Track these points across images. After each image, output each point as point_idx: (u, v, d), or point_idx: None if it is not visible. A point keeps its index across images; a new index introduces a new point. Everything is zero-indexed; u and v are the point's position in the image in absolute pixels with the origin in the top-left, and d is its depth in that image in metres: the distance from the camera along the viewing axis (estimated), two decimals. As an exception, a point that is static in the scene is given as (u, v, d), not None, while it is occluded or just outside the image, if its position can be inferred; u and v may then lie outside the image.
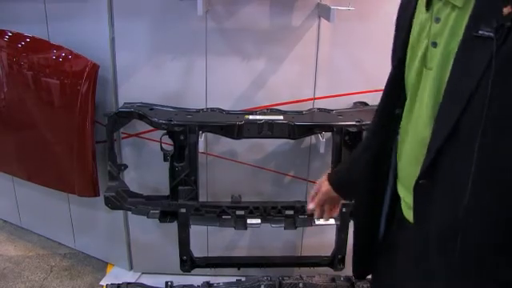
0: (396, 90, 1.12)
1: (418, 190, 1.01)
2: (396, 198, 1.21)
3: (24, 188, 2.68)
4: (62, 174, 2.37)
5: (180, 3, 1.99)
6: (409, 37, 1.07)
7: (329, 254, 2.29)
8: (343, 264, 2.23)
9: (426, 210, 1.01)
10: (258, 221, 2.05)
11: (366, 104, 2.20)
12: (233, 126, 2.00)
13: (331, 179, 1.42)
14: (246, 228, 2.05)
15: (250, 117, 2.04)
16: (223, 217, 2.07)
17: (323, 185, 1.43)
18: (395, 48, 1.16)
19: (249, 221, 2.05)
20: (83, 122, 2.18)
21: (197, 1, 1.83)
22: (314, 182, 2.28)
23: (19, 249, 2.70)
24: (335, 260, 2.22)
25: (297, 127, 2.01)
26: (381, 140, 1.20)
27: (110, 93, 2.22)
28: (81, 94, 2.14)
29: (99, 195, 2.30)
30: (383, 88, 1.20)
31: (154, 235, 2.42)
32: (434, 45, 0.96)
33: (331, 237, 2.23)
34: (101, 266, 2.58)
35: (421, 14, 1.02)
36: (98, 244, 2.61)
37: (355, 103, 2.21)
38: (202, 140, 1.98)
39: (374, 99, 2.18)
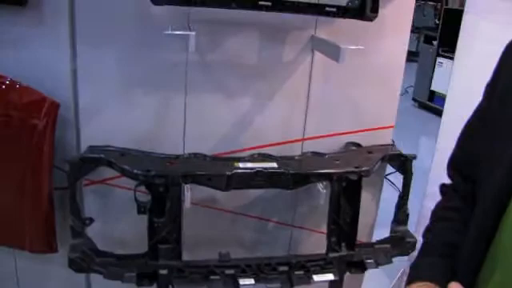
0: None
1: None
2: None
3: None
4: (8, 225, 2.01)
5: (156, 32, 1.71)
6: None
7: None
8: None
9: None
10: (252, 281, 1.82)
11: (359, 145, 2.05)
12: (221, 177, 1.77)
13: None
14: (238, 291, 1.82)
15: (240, 164, 1.81)
16: (211, 277, 1.83)
17: None
18: None
19: (241, 281, 1.81)
20: (39, 165, 1.86)
21: (189, 36, 1.58)
22: (300, 228, 2.17)
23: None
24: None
25: (292, 176, 1.81)
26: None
27: (70, 134, 1.90)
28: (36, 135, 1.82)
29: (57, 251, 1.98)
30: None
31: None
32: None
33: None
34: (56, 329, 2.24)
35: None
36: (51, 302, 2.27)
37: (347, 144, 2.05)
38: (188, 194, 1.73)
39: (366, 140, 2.05)
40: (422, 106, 7.69)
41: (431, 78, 7.42)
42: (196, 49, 1.67)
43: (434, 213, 1.25)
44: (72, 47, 1.80)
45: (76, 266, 1.82)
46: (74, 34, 1.79)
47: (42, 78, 1.80)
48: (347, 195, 1.89)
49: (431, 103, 7.53)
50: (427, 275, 1.10)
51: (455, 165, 1.24)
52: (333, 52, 1.70)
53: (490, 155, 1.01)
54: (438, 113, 7.42)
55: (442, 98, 7.19)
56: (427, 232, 1.23)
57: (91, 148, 1.85)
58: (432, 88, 7.48)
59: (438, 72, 7.30)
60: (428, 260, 1.16)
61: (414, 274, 1.14)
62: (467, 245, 1.05)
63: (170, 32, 1.62)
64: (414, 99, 7.65)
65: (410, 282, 1.12)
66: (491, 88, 1.09)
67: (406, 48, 2.06)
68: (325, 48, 1.79)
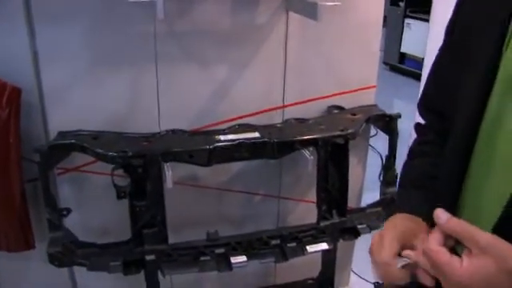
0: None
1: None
2: None
3: None
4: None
5: (120, 1, 1.58)
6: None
7: (308, 275, 2.06)
8: (333, 285, 2.01)
9: None
10: (244, 258, 1.75)
11: (341, 108, 1.96)
12: (203, 152, 1.67)
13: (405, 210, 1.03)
14: (231, 269, 1.73)
15: (221, 137, 1.72)
16: (201, 258, 1.74)
17: (392, 228, 0.96)
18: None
19: (233, 259, 1.74)
20: (6, 158, 1.72)
21: (156, 2, 1.45)
22: (287, 199, 2.09)
23: None
24: (324, 282, 1.99)
25: (277, 145, 1.72)
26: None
27: (36, 121, 1.77)
28: (0, 126, 1.69)
29: (35, 247, 1.87)
30: None
31: (106, 280, 2.00)
32: None
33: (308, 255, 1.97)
34: (41, 326, 2.14)
35: None
36: (34, 300, 2.16)
37: (330, 107, 1.97)
38: (169, 173, 1.63)
39: (349, 102, 1.97)
40: (393, 68, 7.67)
41: (400, 40, 7.39)
42: (164, 17, 1.55)
43: (411, 150, 1.20)
44: (29, 27, 1.65)
45: (57, 260, 1.72)
46: (29, 11, 1.64)
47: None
48: (334, 160, 1.82)
49: (402, 65, 7.51)
50: (406, 207, 1.05)
51: (428, 103, 1.20)
52: (309, 10, 1.60)
53: (461, 85, 0.97)
54: (410, 74, 7.46)
55: (412, 60, 7.19)
56: (404, 167, 1.19)
57: (61, 134, 1.73)
58: (402, 50, 7.45)
59: (407, 33, 7.27)
60: (407, 192, 1.13)
61: (394, 208, 1.08)
62: (444, 172, 1.01)
63: (134, -1, 1.49)
64: (384, 62, 7.61)
65: (390, 215, 1.06)
66: (453, 23, 1.07)
67: (382, 5, 1.97)
68: (300, 7, 1.69)
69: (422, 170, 1.12)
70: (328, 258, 1.96)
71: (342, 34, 1.88)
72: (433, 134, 1.16)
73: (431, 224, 0.91)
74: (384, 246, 0.91)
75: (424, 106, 1.21)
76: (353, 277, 2.43)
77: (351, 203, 2.00)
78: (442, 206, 0.91)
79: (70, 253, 1.71)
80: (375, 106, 2.04)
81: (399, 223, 0.98)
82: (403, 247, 0.92)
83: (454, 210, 0.96)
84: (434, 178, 1.05)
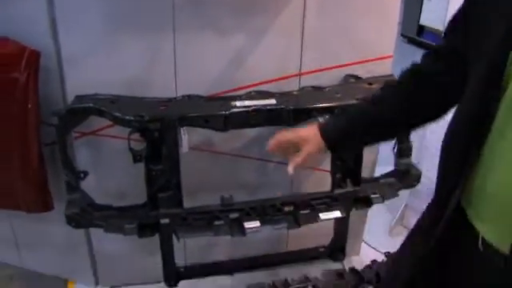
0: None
1: None
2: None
3: None
4: (0, 188, 1.93)
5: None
6: None
7: (320, 243, 2.09)
8: (344, 254, 2.03)
9: None
10: (257, 223, 1.77)
11: (358, 77, 1.95)
12: (219, 117, 1.68)
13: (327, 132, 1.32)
14: (244, 234, 1.76)
15: (237, 103, 1.72)
16: (215, 223, 1.77)
17: (306, 132, 1.34)
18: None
19: (246, 224, 1.76)
20: (25, 121, 1.75)
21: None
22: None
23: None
24: (336, 250, 2.01)
25: (293, 112, 1.73)
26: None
27: (55, 85, 1.79)
28: (19, 89, 1.71)
29: (53, 208, 1.91)
30: None
31: (121, 242, 2.05)
32: None
33: (320, 223, 1.98)
34: (59, 285, 2.19)
35: None
36: (52, 259, 2.20)
37: (346, 76, 1.95)
38: (186, 138, 1.64)
39: (366, 71, 1.96)
40: (411, 41, 7.53)
41: (419, 12, 7.23)
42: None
43: (383, 87, 1.35)
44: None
45: (74, 222, 1.75)
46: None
47: (18, 30, 1.67)
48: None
49: (420, 38, 7.37)
50: (325, 125, 1.35)
51: (438, 53, 1.22)
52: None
53: (474, 48, 1.01)
54: (428, 48, 7.27)
55: (431, 33, 7.05)
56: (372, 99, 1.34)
57: (79, 98, 1.74)
58: (421, 22, 7.30)
59: (427, 5, 7.11)
60: (339, 116, 1.43)
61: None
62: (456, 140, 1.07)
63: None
64: (402, 35, 7.48)
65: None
66: None
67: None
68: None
69: (366, 111, 1.31)
70: (340, 226, 1.97)
71: (360, 2, 1.86)
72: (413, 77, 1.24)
73: (329, 147, 1.32)
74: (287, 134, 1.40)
75: (435, 55, 1.23)
76: (364, 246, 2.45)
77: (365, 173, 2.00)
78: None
79: (86, 214, 1.75)
80: (392, 75, 2.02)
81: (307, 132, 1.34)
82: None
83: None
84: (366, 124, 1.28)
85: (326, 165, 1.96)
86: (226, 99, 1.77)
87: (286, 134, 1.40)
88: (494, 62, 0.92)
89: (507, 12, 0.91)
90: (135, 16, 1.72)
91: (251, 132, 1.95)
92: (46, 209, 1.90)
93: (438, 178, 1.13)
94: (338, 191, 1.87)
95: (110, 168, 1.92)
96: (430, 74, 1.20)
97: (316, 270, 2.04)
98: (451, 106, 1.16)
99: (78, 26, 1.71)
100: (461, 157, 1.01)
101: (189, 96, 1.78)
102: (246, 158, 2.01)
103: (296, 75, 1.92)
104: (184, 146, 1.66)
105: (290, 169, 1.35)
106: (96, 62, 1.76)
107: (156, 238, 1.81)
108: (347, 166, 1.86)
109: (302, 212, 1.83)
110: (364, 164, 1.92)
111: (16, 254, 2.24)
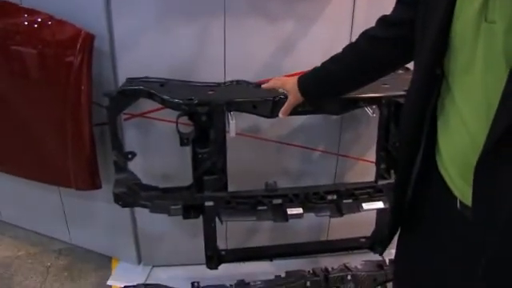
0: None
1: (481, 172, 0.88)
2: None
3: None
4: (53, 166, 2.00)
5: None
6: None
7: (360, 233, 2.08)
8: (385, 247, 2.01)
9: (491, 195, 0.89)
10: (300, 210, 1.78)
11: (407, 69, 1.91)
12: (267, 103, 1.69)
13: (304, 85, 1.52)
14: (287, 219, 1.77)
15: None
16: (259, 208, 1.79)
17: (287, 81, 1.58)
18: None
19: (289, 211, 1.77)
20: (78, 103, 1.81)
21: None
22: (346, 156, 2.10)
23: (5, 248, 2.34)
24: (376, 242, 2.00)
25: (340, 100, 1.72)
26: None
27: (107, 67, 1.84)
28: (73, 71, 1.76)
29: (101, 187, 1.97)
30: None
31: (164, 223, 2.10)
32: None
33: (362, 214, 1.97)
34: (104, 262, 2.27)
35: None
36: (98, 237, 2.28)
37: (395, 67, 1.93)
38: (233, 123, 1.66)
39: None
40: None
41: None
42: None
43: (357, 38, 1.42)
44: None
45: (122, 200, 1.80)
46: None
47: (74, 12, 1.73)
48: (396, 120, 1.80)
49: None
50: (303, 77, 1.55)
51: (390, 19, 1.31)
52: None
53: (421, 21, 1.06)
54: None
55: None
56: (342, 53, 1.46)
57: (129, 80, 1.78)
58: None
59: None
60: (317, 70, 1.53)
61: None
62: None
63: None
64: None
65: None
66: None
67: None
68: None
69: (328, 69, 1.48)
70: (383, 217, 1.96)
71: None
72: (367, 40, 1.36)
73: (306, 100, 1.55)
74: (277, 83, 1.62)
75: (382, 18, 1.33)
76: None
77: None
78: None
79: (133, 194, 1.79)
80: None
81: (291, 85, 1.56)
82: None
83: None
84: (330, 81, 1.50)
85: (371, 155, 1.96)
86: (273, 86, 1.77)
87: (276, 84, 1.63)
88: (441, 21, 0.96)
89: None
90: (187, 0, 1.74)
91: (297, 120, 1.96)
92: (94, 187, 1.96)
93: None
94: (381, 182, 1.85)
95: (157, 150, 1.96)
96: (382, 38, 1.31)
97: (356, 261, 2.03)
98: (404, 64, 1.38)
99: (131, 9, 1.75)
100: (418, 123, 1.09)
101: (237, 81, 1.80)
102: (290, 146, 2.02)
103: (344, 65, 1.91)
104: (231, 131, 1.68)
105: (281, 116, 1.62)
106: (147, 45, 1.80)
107: (198, 221, 1.84)
108: (392, 156, 1.84)
109: (344, 201, 1.82)
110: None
111: (65, 230, 2.33)
